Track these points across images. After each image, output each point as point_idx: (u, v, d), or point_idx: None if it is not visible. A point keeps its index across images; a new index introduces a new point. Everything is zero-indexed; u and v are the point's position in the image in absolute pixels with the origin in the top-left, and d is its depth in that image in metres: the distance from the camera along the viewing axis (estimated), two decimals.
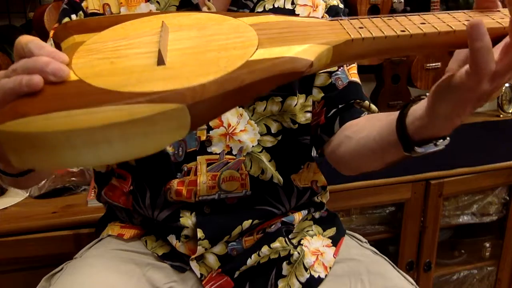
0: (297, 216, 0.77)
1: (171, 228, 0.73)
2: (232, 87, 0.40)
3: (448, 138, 0.53)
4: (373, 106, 0.77)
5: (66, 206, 1.09)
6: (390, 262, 0.78)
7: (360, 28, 0.48)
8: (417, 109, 0.53)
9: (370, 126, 0.65)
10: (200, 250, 0.71)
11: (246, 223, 0.72)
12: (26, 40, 0.42)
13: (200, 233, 0.70)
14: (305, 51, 0.44)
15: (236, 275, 0.72)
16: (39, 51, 0.41)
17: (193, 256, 0.72)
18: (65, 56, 0.43)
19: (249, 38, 0.45)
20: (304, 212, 0.79)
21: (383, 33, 0.46)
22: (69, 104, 0.37)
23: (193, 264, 0.72)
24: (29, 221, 1.03)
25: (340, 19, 0.49)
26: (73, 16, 0.70)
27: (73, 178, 1.17)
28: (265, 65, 0.42)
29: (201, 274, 0.72)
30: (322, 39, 0.46)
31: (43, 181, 1.14)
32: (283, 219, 0.75)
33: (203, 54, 0.43)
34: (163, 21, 0.49)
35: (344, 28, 0.48)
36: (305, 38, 0.46)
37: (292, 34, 0.47)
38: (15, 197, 1.14)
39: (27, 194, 1.15)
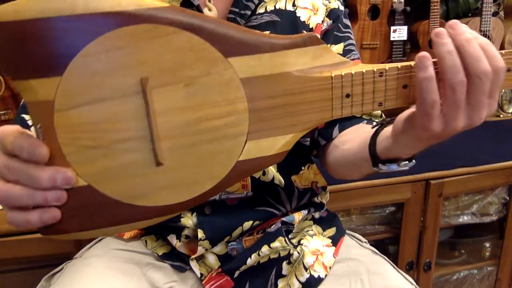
0: (297, 216, 0.77)
1: (171, 228, 0.73)
2: (224, 187, 0.47)
3: (413, 161, 0.56)
4: (375, 112, 0.77)
5: None
6: (390, 262, 0.78)
7: (346, 96, 0.48)
8: (387, 130, 0.56)
9: (353, 138, 0.68)
10: (200, 250, 0.71)
11: (247, 224, 0.72)
12: (11, 139, 0.43)
13: (200, 234, 0.70)
14: (287, 144, 0.48)
15: (236, 275, 0.72)
16: (31, 157, 0.43)
17: (193, 256, 0.72)
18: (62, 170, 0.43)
19: (239, 119, 0.45)
20: (304, 212, 0.79)
21: (362, 109, 0.49)
22: (99, 223, 0.45)
23: (193, 264, 0.72)
24: None
25: (335, 78, 0.47)
26: None
27: None
28: (251, 166, 0.47)
29: (201, 274, 0.72)
30: (305, 123, 0.48)
31: None
32: (283, 219, 0.75)
33: (197, 148, 0.45)
34: (142, 79, 0.42)
35: (332, 100, 0.48)
36: (292, 123, 0.48)
37: (283, 112, 0.47)
38: None
39: None
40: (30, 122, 0.68)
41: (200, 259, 0.72)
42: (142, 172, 0.44)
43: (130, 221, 0.46)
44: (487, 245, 1.57)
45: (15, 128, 0.45)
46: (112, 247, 0.75)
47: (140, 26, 0.41)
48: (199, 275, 0.72)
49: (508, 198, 1.49)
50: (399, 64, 0.47)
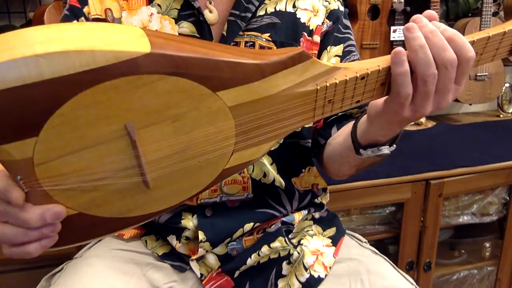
0: (297, 216, 0.77)
1: (172, 228, 0.73)
2: (207, 189, 0.50)
3: (394, 146, 0.59)
4: None
5: None
6: (390, 261, 0.78)
7: (328, 102, 0.49)
8: (366, 116, 0.59)
9: (341, 132, 0.70)
10: (201, 252, 0.71)
11: (248, 226, 0.72)
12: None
13: (201, 236, 0.70)
14: (269, 148, 0.50)
15: (236, 275, 0.72)
16: (7, 201, 0.43)
17: (193, 257, 0.72)
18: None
19: (227, 137, 0.46)
20: (304, 212, 0.79)
21: (341, 108, 0.51)
22: (95, 235, 0.49)
23: (193, 264, 0.72)
24: None
25: (320, 90, 0.48)
26: (75, 22, 0.69)
27: None
28: (235, 170, 0.49)
29: (201, 274, 0.72)
30: (288, 129, 0.50)
31: None
32: (283, 219, 0.75)
33: (185, 168, 0.46)
34: (126, 124, 0.41)
35: (315, 108, 0.49)
36: (276, 131, 0.49)
37: (267, 126, 0.48)
38: None
39: None
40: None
41: (200, 259, 0.72)
42: (132, 195, 0.45)
43: (124, 227, 0.49)
44: (487, 245, 1.57)
45: None
46: (112, 247, 0.75)
47: (121, 79, 0.38)
48: (199, 275, 0.72)
49: (508, 198, 1.49)
50: (381, 67, 0.48)
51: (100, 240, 0.78)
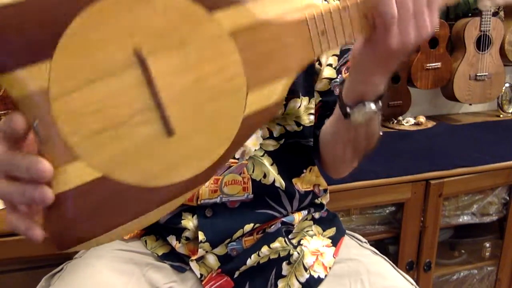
0: (297, 216, 0.77)
1: (172, 229, 0.73)
2: (236, 148, 0.46)
3: (380, 103, 0.59)
4: None
5: None
6: (390, 262, 0.78)
7: (321, 34, 0.49)
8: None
9: (333, 113, 0.71)
10: (201, 252, 0.71)
11: (248, 227, 0.72)
12: None
13: (201, 236, 0.70)
14: (283, 89, 0.48)
15: (236, 275, 0.72)
16: (33, 177, 0.38)
17: (193, 258, 0.72)
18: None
19: (235, 72, 0.45)
20: (304, 212, 0.79)
21: (337, 43, 0.50)
22: (120, 219, 0.41)
23: (193, 265, 0.72)
24: None
25: (309, 18, 0.49)
26: None
27: None
28: (257, 119, 0.47)
29: (201, 274, 0.72)
30: (294, 65, 0.49)
31: None
32: (283, 219, 0.75)
33: (202, 109, 0.43)
34: (135, 49, 0.39)
35: (311, 39, 0.49)
36: (283, 68, 0.48)
37: (271, 59, 0.47)
38: None
39: None
40: None
41: (200, 259, 0.72)
42: (155, 147, 0.41)
43: (152, 207, 0.43)
44: (487, 245, 1.57)
45: None
46: (112, 247, 0.75)
47: None
48: (199, 276, 0.72)
49: (508, 198, 1.49)
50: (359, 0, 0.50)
51: None
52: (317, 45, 0.49)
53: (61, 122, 0.37)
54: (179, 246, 0.72)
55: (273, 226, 0.74)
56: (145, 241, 0.76)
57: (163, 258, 0.74)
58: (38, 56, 0.35)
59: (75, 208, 0.39)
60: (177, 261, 0.74)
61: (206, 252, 0.71)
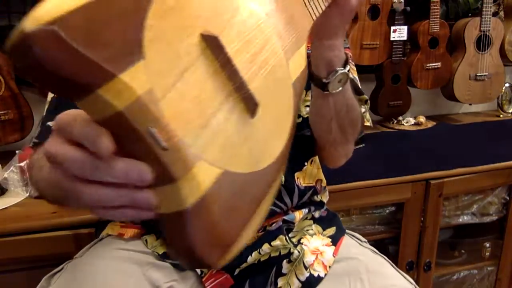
0: (298, 215, 0.77)
1: None
2: (296, 116, 0.48)
3: (348, 65, 0.64)
4: (361, 96, 0.83)
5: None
6: (390, 261, 0.78)
7: (309, 1, 0.52)
8: None
9: None
10: None
11: None
12: (71, 124, 0.34)
13: None
14: (305, 53, 0.50)
15: (236, 273, 0.72)
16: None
17: None
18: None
19: (275, 46, 0.45)
20: (305, 211, 0.79)
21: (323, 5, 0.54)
22: (251, 210, 0.40)
23: None
24: (29, 221, 1.03)
25: None
26: None
27: None
28: (299, 83, 0.48)
29: (201, 271, 0.72)
30: (303, 32, 0.51)
31: None
32: (284, 217, 0.76)
33: (265, 83, 0.42)
34: (201, 34, 0.36)
35: (306, 7, 0.51)
36: (297, 35, 0.49)
37: (290, 28, 0.48)
38: (15, 197, 1.14)
39: (27, 194, 1.15)
40: None
41: None
42: (247, 131, 0.39)
43: (267, 189, 0.41)
44: (487, 245, 1.57)
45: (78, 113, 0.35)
46: (112, 246, 0.75)
47: None
48: (199, 272, 0.72)
49: (508, 198, 1.49)
50: None
51: (100, 240, 0.78)
52: (311, 9, 0.52)
53: (173, 123, 0.33)
54: None
55: (274, 224, 0.74)
56: (146, 240, 0.76)
57: (163, 257, 0.74)
58: (133, 55, 0.31)
59: (217, 212, 0.36)
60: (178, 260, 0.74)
61: None
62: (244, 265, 0.72)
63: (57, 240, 1.02)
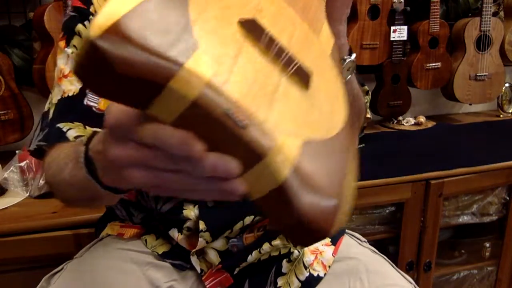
0: None
1: (173, 221, 0.73)
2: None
3: (354, 54, 0.63)
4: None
5: (66, 206, 1.09)
6: (389, 261, 0.78)
7: None
8: None
9: None
10: (201, 242, 0.70)
11: (248, 219, 0.72)
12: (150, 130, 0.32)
13: (202, 225, 0.70)
14: (327, 28, 0.51)
15: (235, 272, 0.72)
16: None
17: (193, 251, 0.72)
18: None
19: (300, 24, 0.44)
20: None
21: None
22: (339, 181, 0.38)
23: (194, 259, 0.72)
24: (29, 221, 1.03)
25: None
26: (86, 23, 0.68)
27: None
28: (336, 56, 0.48)
29: (201, 270, 0.72)
30: (321, 11, 0.51)
31: (43, 181, 1.14)
32: None
33: (309, 54, 0.42)
34: (239, 21, 0.36)
35: None
36: (319, 16, 0.50)
37: (309, 8, 0.48)
38: (15, 197, 1.14)
39: (27, 194, 1.15)
40: (68, 131, 0.64)
41: (201, 254, 0.72)
42: (308, 100, 0.39)
43: (346, 152, 0.40)
44: (487, 245, 1.57)
45: None
46: (112, 247, 0.75)
47: None
48: (199, 271, 0.72)
49: (508, 198, 1.49)
50: None
51: (100, 240, 0.78)
52: None
53: (244, 102, 0.32)
54: (181, 238, 0.72)
55: None
56: (145, 240, 0.76)
57: (163, 256, 0.74)
58: (189, 44, 0.31)
59: (314, 178, 0.34)
60: (178, 260, 0.74)
61: (207, 242, 0.71)
62: (244, 264, 0.72)
63: (57, 240, 1.02)
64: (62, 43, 0.69)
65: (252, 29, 0.37)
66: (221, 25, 0.35)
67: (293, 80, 0.38)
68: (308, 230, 0.34)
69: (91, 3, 0.69)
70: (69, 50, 0.67)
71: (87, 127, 0.65)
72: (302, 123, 0.37)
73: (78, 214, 1.05)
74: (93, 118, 0.65)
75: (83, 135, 0.63)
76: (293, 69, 0.38)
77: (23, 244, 1.01)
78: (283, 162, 0.33)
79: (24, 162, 1.18)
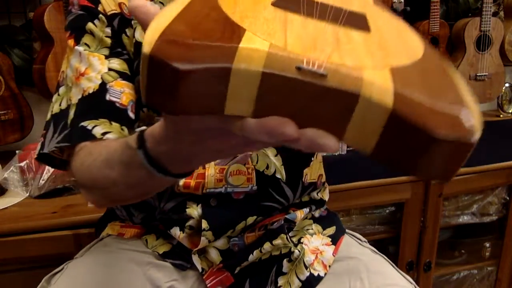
0: (299, 214, 0.77)
1: (174, 220, 0.73)
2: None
3: None
4: None
5: (66, 206, 1.09)
6: (389, 261, 0.78)
7: None
8: None
9: None
10: (203, 241, 0.70)
11: (251, 219, 0.72)
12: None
13: (204, 224, 0.70)
14: None
15: (236, 271, 0.72)
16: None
17: (195, 250, 0.72)
18: None
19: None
20: (306, 210, 0.79)
21: None
22: (450, 93, 0.34)
23: (195, 258, 0.72)
24: (29, 221, 1.03)
25: None
26: (96, 22, 0.67)
27: (73, 178, 1.17)
28: (378, 3, 0.45)
29: (202, 269, 0.72)
30: None
31: (43, 181, 1.14)
32: (286, 216, 0.76)
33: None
34: (272, 3, 0.36)
35: None
36: None
37: None
38: (15, 197, 1.14)
39: (27, 194, 1.15)
40: (94, 128, 0.63)
41: (202, 253, 0.72)
42: (375, 37, 0.37)
43: (440, 65, 0.37)
44: (487, 245, 1.57)
45: None
46: (113, 246, 0.75)
47: None
48: (200, 270, 0.72)
49: (508, 198, 1.49)
50: None
51: (100, 240, 0.78)
52: None
53: (310, 53, 0.31)
54: (182, 237, 0.72)
55: (276, 223, 0.75)
56: (146, 240, 0.76)
57: (164, 256, 0.74)
58: (235, 31, 0.32)
59: (423, 97, 0.31)
60: (178, 259, 0.74)
61: (209, 241, 0.71)
62: (245, 263, 0.72)
63: (57, 240, 1.02)
64: (71, 42, 0.68)
65: (287, 3, 0.36)
66: (258, 11, 0.35)
67: (350, 27, 0.36)
68: (450, 146, 0.31)
69: (99, 2, 0.68)
70: (80, 48, 0.66)
71: (112, 123, 0.64)
72: (379, 57, 0.34)
73: (78, 214, 1.05)
74: (117, 113, 0.64)
75: (110, 131, 0.62)
76: (345, 18, 0.36)
77: (23, 244, 1.01)
78: (381, 91, 0.30)
79: (24, 162, 1.18)
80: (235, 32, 0.32)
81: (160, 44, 0.30)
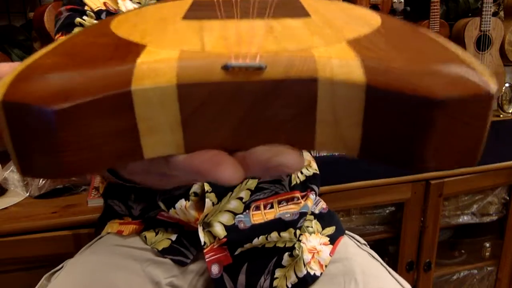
0: (309, 203, 0.78)
1: (177, 196, 0.73)
2: None
3: None
4: None
5: (66, 206, 1.10)
6: (387, 266, 0.78)
7: None
8: None
9: None
10: (208, 204, 0.71)
11: (252, 182, 0.74)
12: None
13: (207, 187, 0.71)
14: None
15: (237, 252, 0.72)
16: None
17: (200, 220, 0.71)
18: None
19: None
20: (312, 196, 0.80)
21: None
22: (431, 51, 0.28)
23: (200, 230, 0.72)
24: (29, 221, 1.03)
25: None
26: (85, 17, 0.71)
27: (73, 178, 1.17)
28: None
29: (204, 242, 0.72)
30: None
31: (43, 181, 1.14)
32: (301, 210, 0.76)
33: None
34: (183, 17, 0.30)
35: None
36: None
37: None
38: (15, 197, 1.14)
39: (27, 194, 1.15)
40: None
41: (207, 227, 0.72)
42: (320, 20, 0.30)
43: (407, 29, 0.31)
44: (487, 245, 1.57)
45: None
46: (112, 244, 0.75)
47: None
48: (202, 243, 0.72)
49: (508, 198, 1.49)
50: None
51: (100, 238, 0.78)
52: None
53: (240, 47, 0.26)
54: (188, 205, 0.72)
55: (289, 215, 0.75)
56: (145, 236, 0.76)
57: (163, 253, 0.74)
58: (131, 52, 0.26)
59: (402, 62, 0.24)
60: (177, 255, 0.74)
61: (213, 204, 0.71)
62: (248, 245, 0.73)
63: (57, 240, 1.02)
64: (60, 36, 0.70)
65: (200, 12, 0.30)
66: (164, 27, 0.28)
67: (283, 17, 0.29)
68: (459, 108, 0.22)
69: (85, 4, 0.72)
70: None
71: None
72: (329, 34, 0.27)
73: (78, 214, 1.05)
74: None
75: None
76: (273, 8, 0.30)
77: (23, 244, 1.01)
78: (344, 66, 0.23)
79: None
80: (132, 50, 0.24)
81: (17, 84, 0.22)
